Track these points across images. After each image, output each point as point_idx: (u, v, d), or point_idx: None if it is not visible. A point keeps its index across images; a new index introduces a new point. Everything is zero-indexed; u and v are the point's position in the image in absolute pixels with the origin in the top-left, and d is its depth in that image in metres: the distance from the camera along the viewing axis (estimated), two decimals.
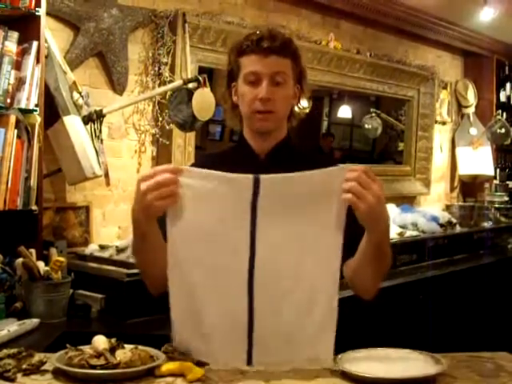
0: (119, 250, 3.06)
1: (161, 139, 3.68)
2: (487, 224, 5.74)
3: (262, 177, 1.65)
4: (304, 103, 2.09)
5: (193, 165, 2.10)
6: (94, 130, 3.19)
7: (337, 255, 1.69)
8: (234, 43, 1.95)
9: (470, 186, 6.72)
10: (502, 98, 6.98)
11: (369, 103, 6.46)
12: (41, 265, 2.62)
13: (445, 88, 6.31)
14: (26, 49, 2.80)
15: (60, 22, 3.29)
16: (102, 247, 3.21)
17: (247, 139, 1.97)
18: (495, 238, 5.39)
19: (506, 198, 6.43)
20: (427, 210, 5.28)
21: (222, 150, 2.13)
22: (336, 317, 1.75)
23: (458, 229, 5.14)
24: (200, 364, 1.61)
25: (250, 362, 1.67)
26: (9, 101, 2.73)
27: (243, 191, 1.65)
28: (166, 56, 3.65)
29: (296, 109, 1.99)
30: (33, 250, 2.63)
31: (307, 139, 7.08)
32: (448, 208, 6.12)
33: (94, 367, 1.52)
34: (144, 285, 1.92)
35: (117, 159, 3.57)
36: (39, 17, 2.81)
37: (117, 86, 3.53)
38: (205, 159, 2.15)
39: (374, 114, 5.98)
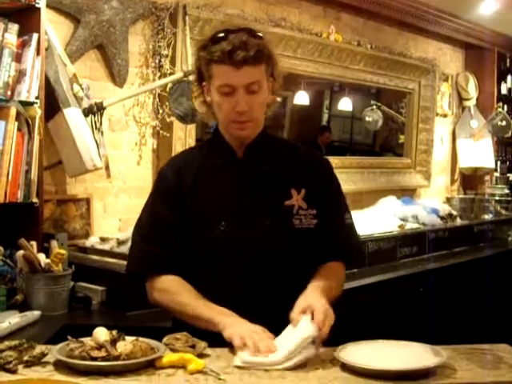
0: (120, 243, 3.06)
1: (161, 131, 3.68)
2: (488, 216, 5.74)
3: None
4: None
5: (171, 165, 2.06)
6: (95, 122, 3.18)
7: None
8: (204, 40, 1.87)
9: (470, 179, 6.72)
10: (503, 90, 6.97)
11: (369, 96, 6.44)
12: (42, 257, 2.62)
13: (446, 80, 6.30)
14: (26, 41, 2.79)
15: (60, 14, 3.28)
16: (103, 240, 3.21)
17: (224, 136, 1.95)
18: (496, 230, 5.39)
19: (507, 191, 6.42)
20: (428, 202, 5.27)
21: (199, 147, 2.12)
22: None
23: (458, 221, 5.13)
24: (201, 356, 1.61)
25: None
26: (9, 93, 2.73)
27: None
28: (166, 48, 3.64)
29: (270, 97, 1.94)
30: (33, 243, 2.64)
31: (307, 132, 7.08)
32: (448, 200, 6.11)
33: (95, 359, 1.52)
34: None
35: (117, 151, 3.57)
36: (39, 9, 2.80)
37: (117, 78, 3.52)
38: (183, 160, 2.03)
39: (374, 107, 5.97)
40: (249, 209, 1.89)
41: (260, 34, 1.86)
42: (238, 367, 1.57)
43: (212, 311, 1.79)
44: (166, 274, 1.90)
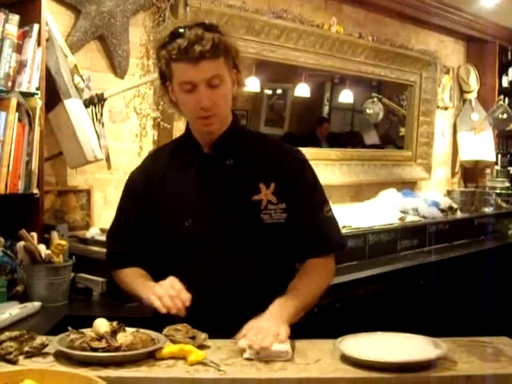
0: None
1: (162, 123, 3.67)
2: (488, 210, 5.74)
3: None
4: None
5: (141, 165, 2.08)
6: (95, 113, 3.18)
7: None
8: (159, 39, 1.87)
9: (471, 172, 6.72)
10: (505, 83, 6.97)
11: (370, 88, 6.43)
12: (42, 248, 2.62)
13: (447, 73, 6.29)
14: (27, 32, 2.78)
15: (61, 4, 3.27)
16: (103, 231, 3.21)
17: (192, 131, 1.96)
18: (496, 223, 5.39)
19: (507, 184, 6.42)
20: (428, 195, 5.27)
21: (170, 143, 2.13)
22: None
23: (458, 214, 5.13)
24: (201, 347, 1.62)
25: None
26: (10, 84, 2.72)
27: None
28: None
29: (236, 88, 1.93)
30: (34, 234, 2.63)
31: (308, 124, 7.07)
32: (449, 193, 6.12)
33: (95, 350, 1.53)
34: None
35: (118, 143, 3.57)
36: (40, 0, 2.79)
37: (118, 69, 3.51)
38: (153, 158, 2.10)
39: (375, 99, 5.96)
40: (213, 205, 1.89)
41: (217, 27, 1.83)
42: (247, 359, 1.57)
43: (141, 288, 1.87)
44: (127, 268, 2.00)
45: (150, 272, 1.98)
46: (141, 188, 1.97)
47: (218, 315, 1.80)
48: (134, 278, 1.95)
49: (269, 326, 1.66)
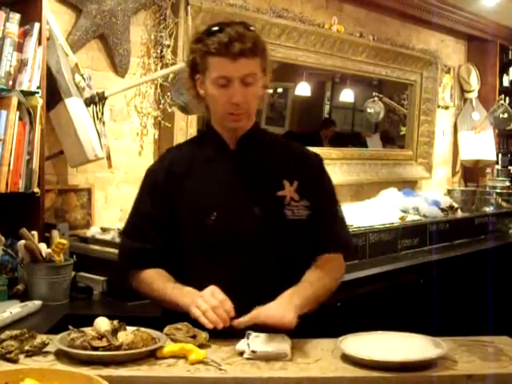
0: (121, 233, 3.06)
1: (163, 122, 3.67)
2: (489, 209, 5.74)
3: None
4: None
5: (160, 160, 2.09)
6: (96, 112, 3.18)
7: None
8: (198, 33, 1.90)
9: (471, 171, 6.72)
10: (505, 82, 6.97)
11: (371, 87, 6.43)
12: (43, 247, 2.62)
13: (448, 72, 6.29)
14: (28, 30, 2.78)
15: (62, 3, 3.27)
16: (104, 230, 3.21)
17: (216, 129, 1.97)
18: (496, 223, 5.38)
19: (508, 183, 6.43)
20: (429, 194, 5.27)
21: (190, 141, 2.14)
22: None
23: (459, 213, 5.13)
24: (202, 346, 1.62)
25: None
26: (11, 83, 2.72)
27: None
28: (168, 38, 3.63)
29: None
30: (35, 233, 2.63)
31: (309, 123, 7.06)
32: (449, 193, 6.12)
33: (96, 349, 1.53)
34: None
35: (119, 142, 3.57)
36: None
37: (119, 68, 3.51)
38: (173, 154, 2.07)
39: (376, 98, 5.96)
40: (240, 199, 1.91)
41: (253, 29, 1.89)
42: (248, 358, 1.57)
43: (175, 294, 1.83)
44: (146, 268, 1.93)
45: (169, 273, 1.94)
46: (162, 181, 1.96)
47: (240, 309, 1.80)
48: (162, 281, 1.90)
49: (275, 309, 1.69)
